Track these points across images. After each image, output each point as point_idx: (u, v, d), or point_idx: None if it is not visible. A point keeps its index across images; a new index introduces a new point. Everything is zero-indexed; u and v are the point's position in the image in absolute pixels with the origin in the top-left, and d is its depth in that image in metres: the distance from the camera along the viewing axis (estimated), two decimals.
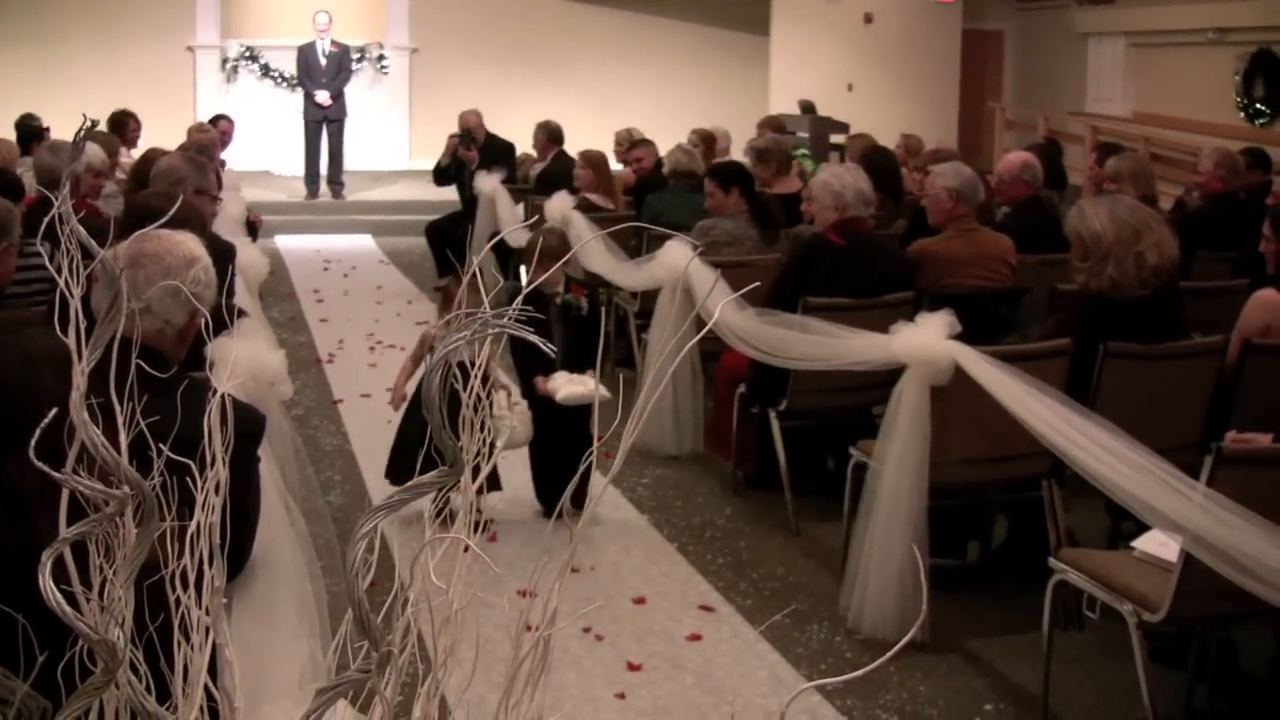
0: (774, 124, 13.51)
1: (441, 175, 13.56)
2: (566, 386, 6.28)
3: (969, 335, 5.27)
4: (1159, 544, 4.35)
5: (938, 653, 5.23)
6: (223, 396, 1.71)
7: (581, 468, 1.64)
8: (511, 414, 6.24)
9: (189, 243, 3.44)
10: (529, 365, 6.44)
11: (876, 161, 9.04)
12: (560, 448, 6.27)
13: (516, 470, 6.61)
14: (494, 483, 5.67)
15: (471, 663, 1.74)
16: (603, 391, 5.55)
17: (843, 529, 5.82)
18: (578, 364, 6.41)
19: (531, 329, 1.46)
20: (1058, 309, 5.95)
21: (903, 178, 10.16)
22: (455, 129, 13.44)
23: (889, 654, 1.62)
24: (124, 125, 11.88)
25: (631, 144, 11.87)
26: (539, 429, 6.38)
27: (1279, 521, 3.76)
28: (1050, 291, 6.46)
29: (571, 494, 1.67)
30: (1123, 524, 5.38)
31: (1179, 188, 11.31)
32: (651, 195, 9.83)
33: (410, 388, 6.36)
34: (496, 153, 12.99)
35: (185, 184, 5.88)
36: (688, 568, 6.09)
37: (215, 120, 13.86)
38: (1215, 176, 8.53)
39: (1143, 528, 4.49)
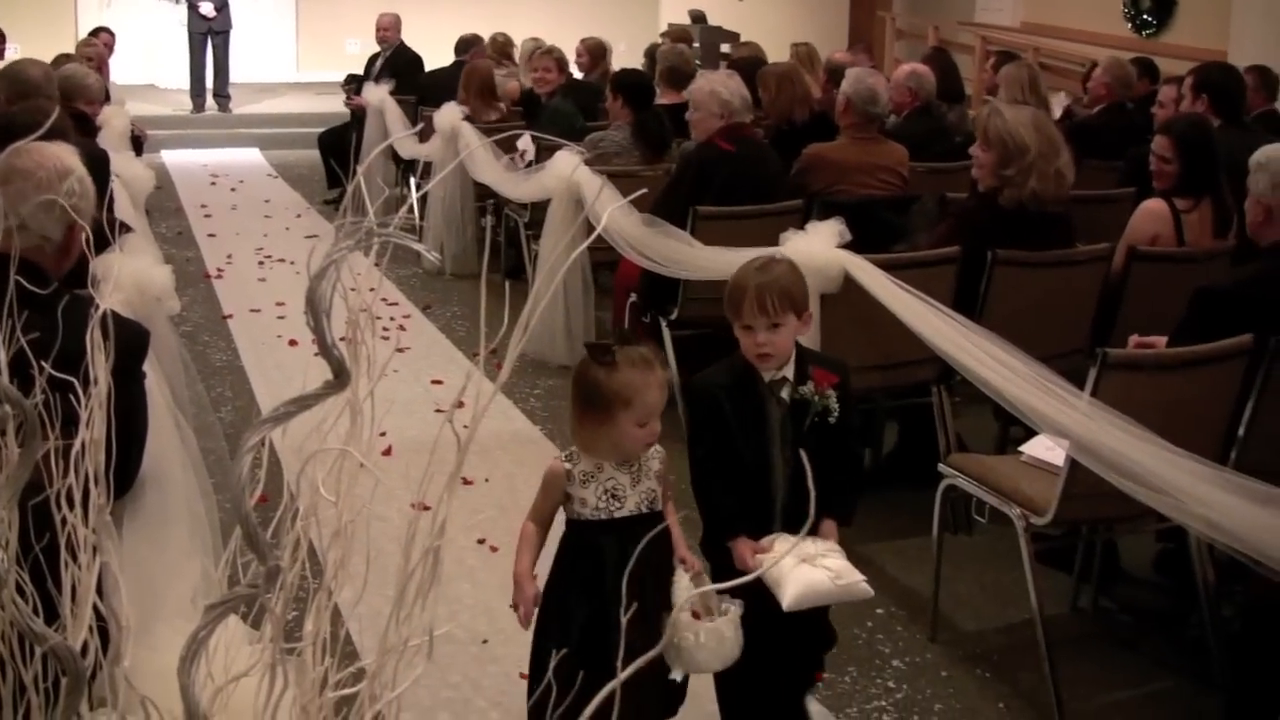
0: (679, 34, 13.45)
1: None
2: (795, 573, 3.23)
3: (859, 243, 5.30)
4: (1046, 449, 4.42)
5: None
6: (105, 312, 1.69)
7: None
8: (699, 624, 3.29)
9: (62, 154, 3.35)
10: (719, 512, 3.57)
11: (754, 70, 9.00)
12: (763, 657, 3.44)
13: None
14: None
15: (363, 576, 1.74)
16: (864, 586, 3.50)
17: None
18: (811, 511, 3.20)
19: (415, 238, 1.44)
20: (947, 216, 5.99)
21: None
22: (343, 39, 13.17)
23: (779, 557, 1.63)
24: None
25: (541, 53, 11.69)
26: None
27: (1160, 425, 3.83)
28: (939, 199, 6.50)
29: None
30: (1011, 429, 5.47)
31: (1068, 97, 11.40)
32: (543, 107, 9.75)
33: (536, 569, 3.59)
34: (403, 64, 12.68)
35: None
36: None
37: (96, 33, 13.56)
38: (1110, 86, 8.61)
39: (1030, 433, 4.56)
